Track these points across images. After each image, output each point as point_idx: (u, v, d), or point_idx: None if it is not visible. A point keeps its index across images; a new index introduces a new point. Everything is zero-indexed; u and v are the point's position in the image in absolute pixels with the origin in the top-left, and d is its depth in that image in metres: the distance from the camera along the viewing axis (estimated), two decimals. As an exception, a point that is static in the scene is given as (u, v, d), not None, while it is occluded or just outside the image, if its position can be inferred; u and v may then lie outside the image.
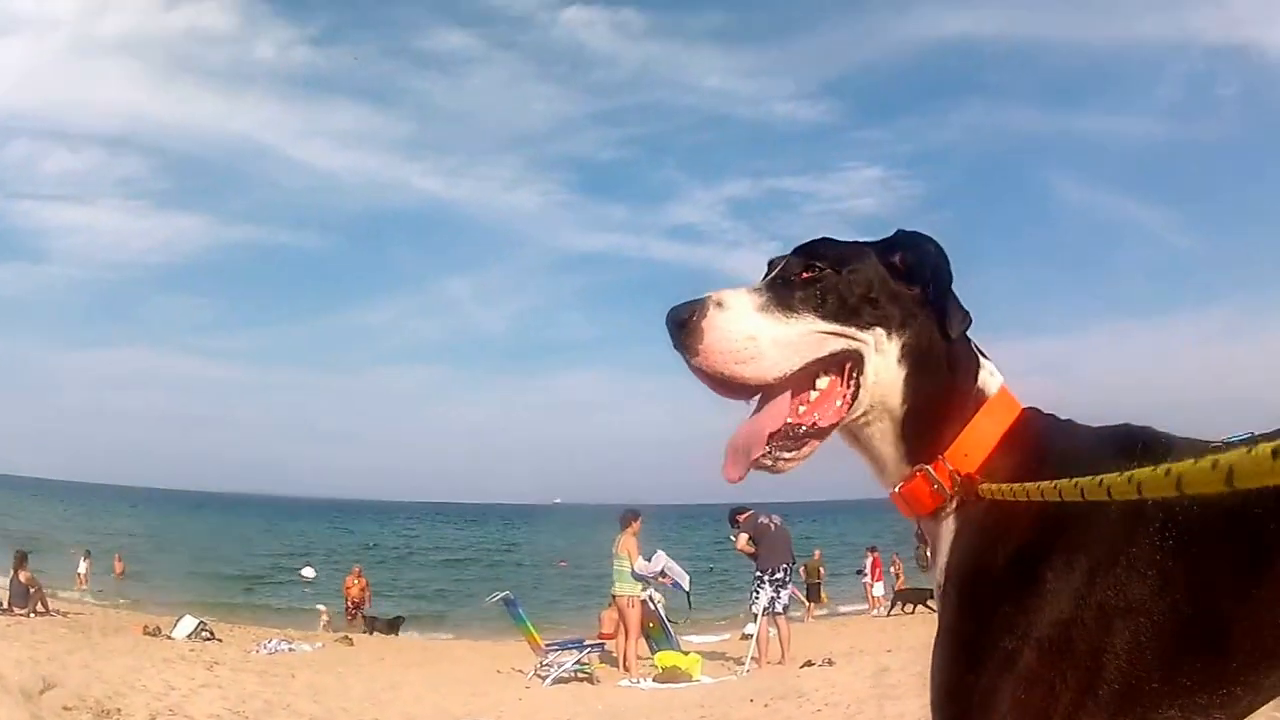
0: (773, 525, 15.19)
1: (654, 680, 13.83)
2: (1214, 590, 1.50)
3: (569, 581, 38.40)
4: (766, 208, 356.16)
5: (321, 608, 25.78)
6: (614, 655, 15.96)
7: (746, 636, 16.83)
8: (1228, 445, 1.62)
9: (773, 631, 15.10)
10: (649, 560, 15.34)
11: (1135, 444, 1.64)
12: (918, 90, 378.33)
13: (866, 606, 26.72)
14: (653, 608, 15.97)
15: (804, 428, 1.71)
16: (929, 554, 1.84)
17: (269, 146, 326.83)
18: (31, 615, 18.63)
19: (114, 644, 15.08)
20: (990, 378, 1.80)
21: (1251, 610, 1.49)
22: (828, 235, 1.85)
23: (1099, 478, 1.20)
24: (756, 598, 14.95)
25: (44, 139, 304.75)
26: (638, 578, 15.09)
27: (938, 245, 1.81)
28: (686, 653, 15.33)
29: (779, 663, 14.65)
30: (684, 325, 1.66)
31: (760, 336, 1.67)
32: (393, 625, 24.19)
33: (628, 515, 15.51)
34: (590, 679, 14.60)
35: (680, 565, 16.19)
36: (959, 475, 1.70)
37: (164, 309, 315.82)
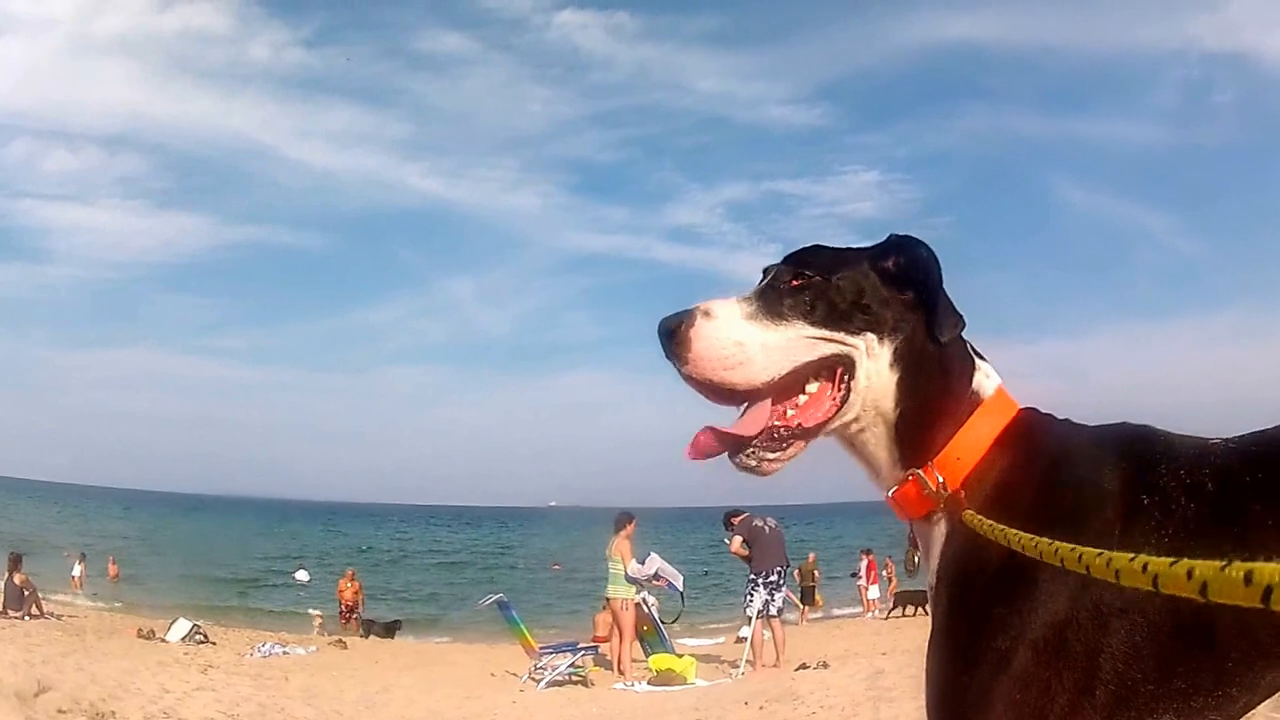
0: (767, 528, 15.20)
1: (648, 683, 13.85)
2: None
3: (563, 584, 38.37)
4: (766, 210, 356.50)
5: (316, 611, 25.77)
6: (608, 658, 15.96)
7: (741, 639, 16.84)
8: (1225, 443, 1.65)
9: (767, 634, 15.10)
10: (642, 563, 15.34)
11: (1131, 444, 1.66)
12: (915, 94, 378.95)
13: (861, 609, 26.75)
14: (647, 610, 15.98)
15: (788, 430, 1.74)
16: (917, 558, 1.86)
17: (267, 146, 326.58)
18: (26, 618, 18.62)
19: (108, 647, 15.09)
20: (986, 380, 1.81)
21: (1247, 608, 1.49)
22: (821, 242, 1.88)
23: (1078, 552, 1.20)
24: (751, 600, 14.95)
25: (43, 139, 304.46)
26: (631, 581, 15.09)
27: (929, 249, 1.82)
28: (681, 655, 15.32)
29: (774, 666, 14.66)
30: (673, 335, 1.71)
31: (748, 343, 1.70)
32: (389, 629, 24.16)
33: (622, 518, 15.52)
34: (584, 682, 14.61)
35: (674, 568, 16.20)
36: (945, 490, 1.72)
37: (164, 309, 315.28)
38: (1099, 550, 1.15)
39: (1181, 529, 1.52)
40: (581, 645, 15.70)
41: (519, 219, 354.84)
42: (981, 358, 1.84)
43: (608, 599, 15.68)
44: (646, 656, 15.59)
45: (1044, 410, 1.83)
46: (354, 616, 26.22)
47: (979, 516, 1.62)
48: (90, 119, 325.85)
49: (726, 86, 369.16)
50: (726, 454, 1.75)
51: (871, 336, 1.75)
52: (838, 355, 1.75)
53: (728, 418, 1.79)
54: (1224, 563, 0.87)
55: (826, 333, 1.74)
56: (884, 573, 27.42)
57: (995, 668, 1.54)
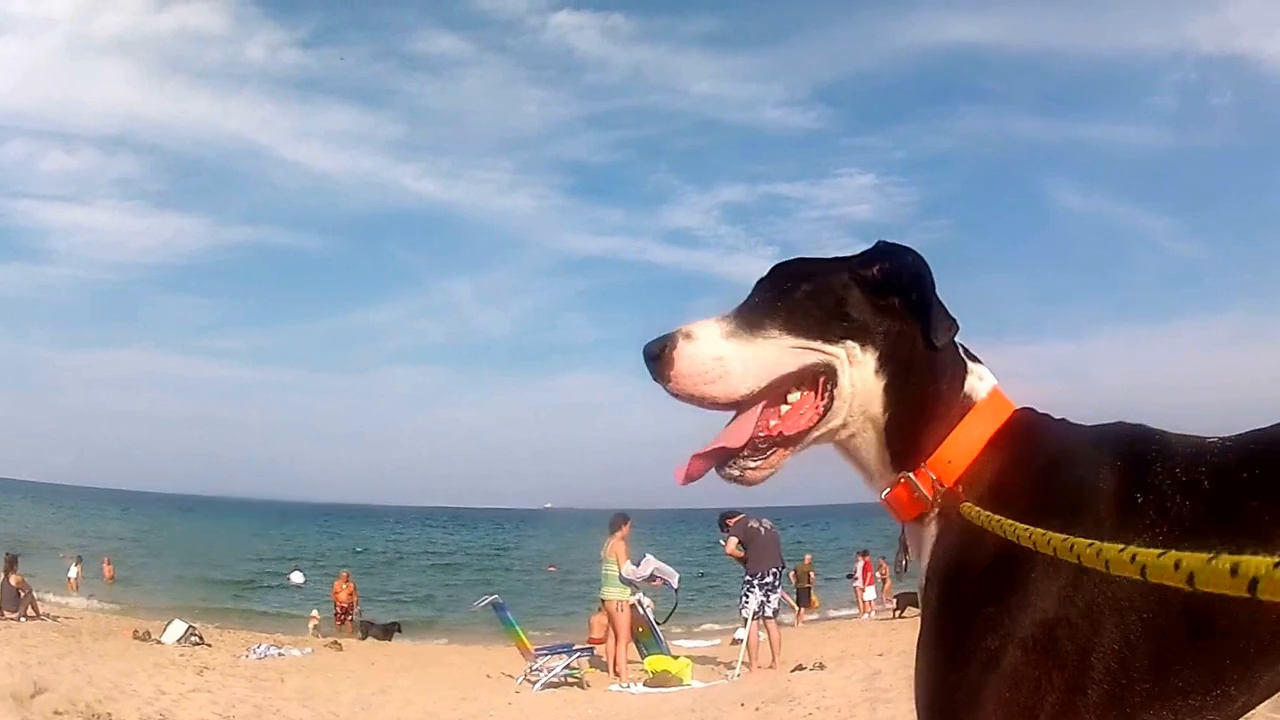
0: (763, 529, 15.22)
1: (644, 685, 13.85)
2: None
3: (559, 586, 38.36)
4: (763, 213, 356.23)
5: (313, 612, 25.78)
6: (603, 660, 15.98)
7: (737, 641, 16.86)
8: (1222, 441, 1.65)
9: (763, 636, 15.12)
10: (637, 565, 15.35)
11: (1127, 443, 1.66)
12: (912, 96, 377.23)
13: (858, 611, 26.78)
14: (642, 612, 15.98)
15: (770, 439, 1.78)
16: (905, 560, 1.88)
17: (263, 147, 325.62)
18: (22, 619, 18.55)
19: (104, 648, 15.07)
20: (979, 382, 1.82)
21: (1244, 605, 1.48)
22: (816, 245, 1.94)
23: (1070, 542, 1.22)
24: (746, 602, 14.97)
25: (41, 139, 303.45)
26: (626, 582, 15.11)
27: (915, 255, 1.83)
28: (676, 657, 15.35)
29: (769, 667, 14.67)
30: (657, 358, 1.77)
31: (727, 358, 1.76)
32: (387, 631, 24.15)
33: (617, 519, 15.54)
34: (580, 684, 14.62)
35: (670, 568, 16.23)
36: (941, 486, 1.73)
37: (162, 310, 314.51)
38: (1089, 541, 1.17)
39: (1177, 527, 1.52)
40: (577, 647, 15.69)
41: (515, 220, 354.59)
42: (976, 360, 1.85)
43: (603, 601, 15.69)
44: (642, 658, 15.58)
45: (1041, 410, 1.83)
46: (349, 618, 26.25)
47: (976, 508, 1.63)
48: (87, 119, 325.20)
49: (722, 88, 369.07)
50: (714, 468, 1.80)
51: (853, 344, 1.77)
52: (819, 364, 1.78)
53: (721, 420, 1.83)
54: (1211, 555, 0.88)
55: (805, 343, 1.78)
56: (878, 574, 27.46)
57: (985, 667, 1.54)
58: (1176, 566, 0.92)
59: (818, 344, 1.77)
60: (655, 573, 15.62)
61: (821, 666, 13.06)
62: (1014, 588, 1.56)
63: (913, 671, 1.70)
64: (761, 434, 1.78)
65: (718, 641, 21.06)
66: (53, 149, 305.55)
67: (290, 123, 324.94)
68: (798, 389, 1.79)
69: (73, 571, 29.44)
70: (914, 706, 1.68)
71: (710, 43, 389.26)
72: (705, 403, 1.78)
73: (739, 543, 15.13)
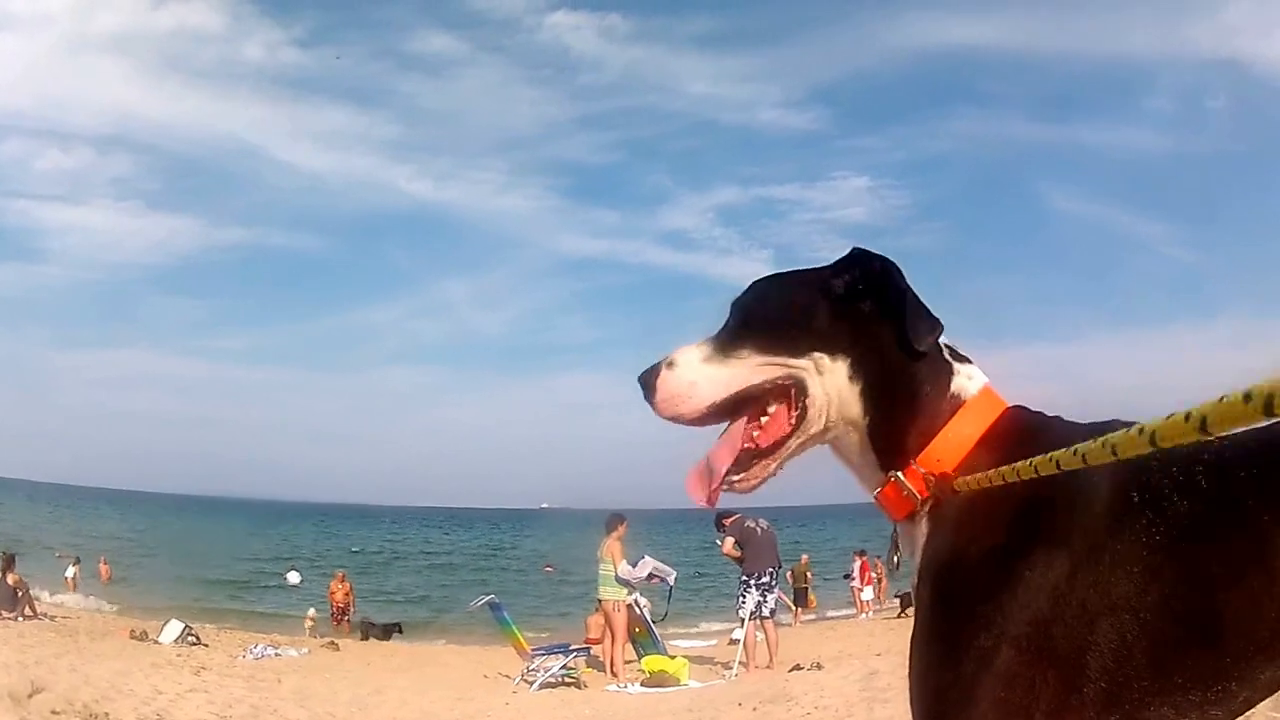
0: (759, 529, 15.23)
1: (642, 685, 13.86)
2: (1204, 583, 1.50)
3: (556, 586, 38.39)
4: (757, 215, 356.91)
5: (310, 612, 25.77)
6: (601, 660, 15.98)
7: (734, 641, 16.86)
8: (1220, 439, 1.63)
9: (760, 636, 15.13)
10: (634, 566, 15.37)
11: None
12: (908, 99, 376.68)
13: (855, 611, 26.78)
14: (638, 612, 15.99)
15: (750, 451, 1.88)
16: (897, 558, 1.90)
17: (258, 147, 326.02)
18: (20, 619, 18.56)
19: (101, 648, 15.07)
20: (968, 381, 1.83)
21: (1244, 602, 1.49)
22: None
23: (1074, 447, 1.25)
24: (743, 602, 14.98)
25: (37, 138, 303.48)
26: (622, 582, 15.12)
27: (884, 262, 1.87)
28: (673, 657, 15.35)
29: (767, 667, 14.68)
30: (647, 385, 1.92)
31: (699, 381, 1.87)
32: (388, 631, 24.15)
33: (613, 520, 15.53)
34: (577, 684, 14.62)
35: (667, 567, 16.27)
36: (933, 476, 1.75)
37: (157, 310, 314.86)
38: (1092, 441, 1.18)
39: (1175, 526, 1.52)
40: (573, 647, 15.69)
41: (511, 222, 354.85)
42: (964, 360, 1.87)
43: (600, 601, 15.70)
44: (639, 658, 15.60)
45: (1034, 409, 1.84)
46: (345, 618, 26.25)
47: (970, 476, 1.65)
48: (84, 118, 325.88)
49: (718, 89, 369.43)
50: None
51: (820, 355, 1.84)
52: (787, 378, 1.86)
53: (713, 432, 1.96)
54: (1220, 395, 0.88)
55: (772, 359, 1.86)
56: (874, 574, 27.45)
57: (978, 665, 1.55)
58: (1188, 418, 0.94)
59: (783, 359, 1.85)
60: (654, 571, 15.67)
61: (819, 666, 13.07)
62: (1007, 585, 1.56)
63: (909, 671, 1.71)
64: (744, 446, 1.88)
65: (715, 641, 21.06)
66: (49, 148, 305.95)
67: (286, 123, 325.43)
68: (775, 402, 1.87)
69: (70, 571, 29.39)
70: (910, 706, 1.68)
71: (707, 43, 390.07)
72: (682, 421, 1.90)
73: (735, 542, 15.13)
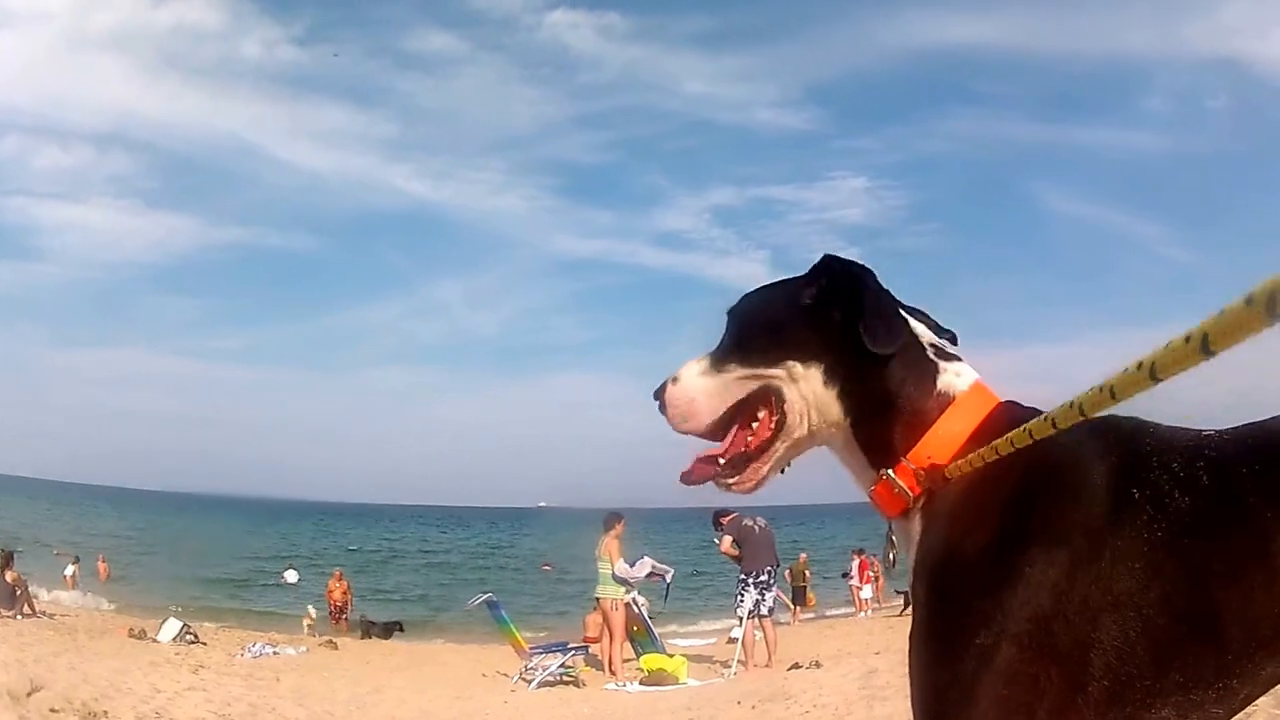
0: (757, 527, 15.22)
1: (640, 683, 13.85)
2: (1206, 580, 1.49)
3: (554, 585, 38.38)
4: (754, 216, 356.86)
5: (308, 611, 25.77)
6: (599, 658, 15.99)
7: (732, 640, 16.87)
8: (1220, 434, 1.63)
9: (759, 634, 15.13)
10: (632, 566, 15.38)
11: (1120, 436, 1.65)
12: (905, 99, 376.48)
13: (854, 609, 26.78)
14: (636, 610, 16.00)
15: (740, 455, 1.96)
16: (892, 555, 1.93)
17: (256, 146, 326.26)
18: (18, 617, 18.55)
19: (100, 646, 15.06)
20: (956, 378, 1.85)
21: (1245, 599, 1.48)
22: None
23: (1043, 415, 1.29)
24: (741, 600, 14.98)
25: (36, 135, 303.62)
26: (619, 580, 15.13)
27: (852, 268, 1.92)
28: (672, 655, 15.35)
29: (765, 665, 14.69)
30: (659, 401, 2.04)
31: (697, 397, 1.99)
32: (388, 629, 24.15)
33: (611, 518, 15.54)
34: (576, 682, 14.63)
35: (664, 565, 16.32)
36: (923, 471, 1.77)
37: (155, 309, 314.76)
38: (1089, 390, 1.19)
39: (1176, 522, 1.51)
40: (572, 645, 15.69)
41: (506, 222, 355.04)
42: (952, 358, 1.89)
43: (597, 599, 15.71)
44: (637, 656, 15.60)
45: (1028, 404, 1.83)
46: (344, 617, 26.25)
47: (958, 462, 1.68)
48: (82, 116, 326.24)
49: (714, 89, 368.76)
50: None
51: (793, 363, 1.91)
52: (766, 388, 1.94)
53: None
54: (1219, 310, 0.88)
55: (751, 371, 1.94)
56: (872, 572, 27.44)
57: (978, 663, 1.54)
58: (1188, 339, 0.92)
59: (760, 370, 1.93)
60: (654, 570, 15.72)
61: (818, 665, 13.09)
62: (1005, 582, 1.56)
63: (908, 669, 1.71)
64: (738, 450, 1.97)
65: (713, 640, 21.04)
66: (48, 145, 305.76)
67: (283, 121, 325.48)
68: (763, 409, 1.95)
69: (70, 570, 29.38)
70: (910, 704, 1.68)
71: (703, 42, 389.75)
72: (695, 434, 2.02)
73: (733, 541, 15.13)
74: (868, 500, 1.91)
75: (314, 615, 25.35)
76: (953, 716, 1.58)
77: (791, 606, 25.13)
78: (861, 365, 1.86)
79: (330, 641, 20.85)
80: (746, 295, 2.07)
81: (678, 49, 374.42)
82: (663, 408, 2.03)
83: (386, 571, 48.58)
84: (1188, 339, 0.90)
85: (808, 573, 27.40)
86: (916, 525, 1.79)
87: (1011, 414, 1.80)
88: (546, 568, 45.88)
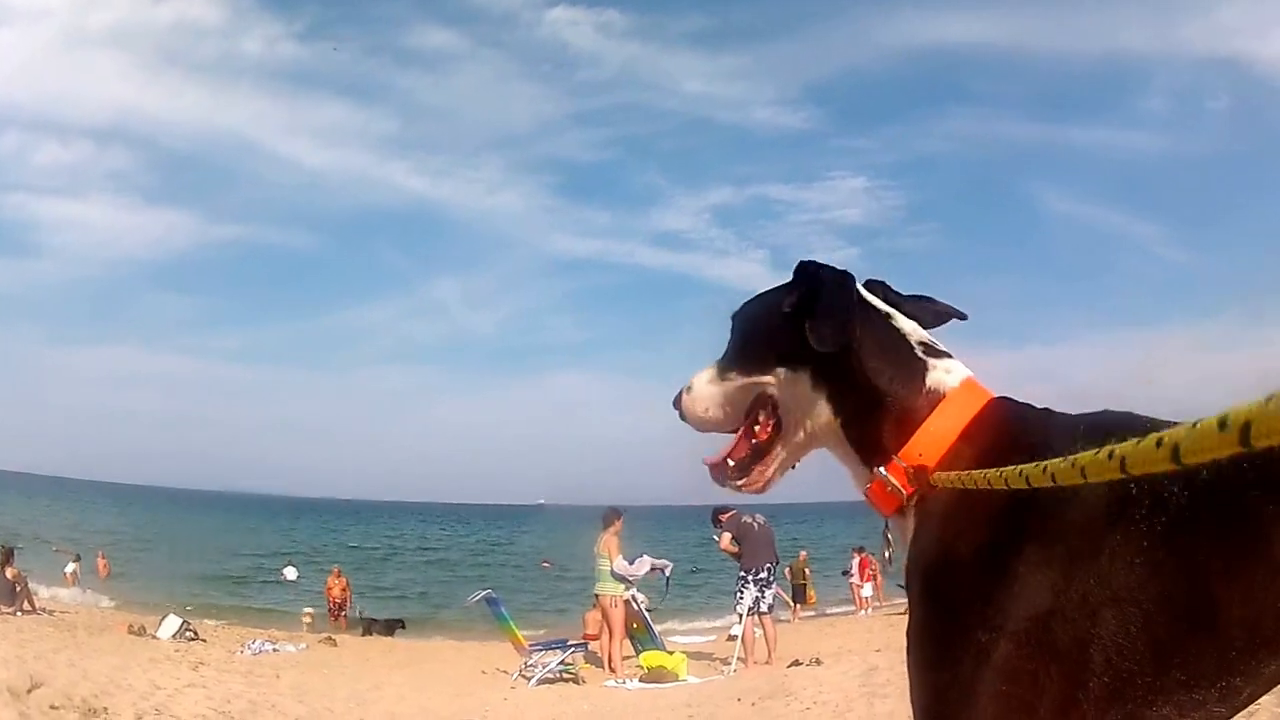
0: (756, 525, 15.21)
1: (640, 680, 13.85)
2: (1206, 577, 1.47)
3: (553, 583, 38.36)
4: (752, 216, 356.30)
5: (308, 609, 25.78)
6: (599, 655, 16.00)
7: (733, 637, 16.87)
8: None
9: (758, 631, 15.14)
10: (631, 563, 15.39)
11: (1116, 431, 1.62)
12: (903, 98, 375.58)
13: (854, 607, 26.78)
14: (636, 608, 16.01)
15: (745, 457, 2.07)
16: (890, 554, 1.97)
17: (255, 142, 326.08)
18: (18, 613, 18.56)
19: (100, 643, 15.06)
20: (946, 375, 1.85)
21: (1246, 596, 1.45)
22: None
23: (1043, 464, 1.23)
24: (741, 598, 14.98)
25: (35, 131, 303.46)
26: (619, 577, 15.13)
27: (821, 272, 1.97)
28: (672, 652, 15.36)
29: (765, 663, 14.69)
30: (676, 407, 2.19)
31: (711, 405, 2.12)
32: (390, 627, 24.16)
33: (610, 514, 15.57)
34: (575, 679, 14.64)
35: (662, 561, 16.38)
36: (912, 469, 1.78)
37: (154, 306, 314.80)
38: (1062, 460, 1.17)
39: (1176, 519, 1.48)
40: (571, 642, 15.70)
41: (504, 220, 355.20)
42: (942, 355, 1.90)
43: (597, 596, 15.72)
44: (637, 653, 15.61)
45: (1020, 400, 1.84)
46: (343, 614, 26.26)
47: (948, 473, 1.66)
48: (82, 112, 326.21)
49: (712, 87, 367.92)
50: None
51: (782, 369, 1.99)
52: (762, 394, 2.03)
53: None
54: (1193, 421, 0.85)
55: (748, 379, 2.05)
56: (873, 570, 27.43)
57: (977, 661, 1.53)
58: (1159, 444, 0.89)
59: (755, 377, 2.03)
60: (654, 566, 15.76)
61: (818, 662, 13.09)
62: (1002, 580, 1.55)
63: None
64: (742, 453, 2.07)
65: (713, 637, 21.04)
66: (47, 141, 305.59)
67: (283, 118, 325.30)
68: (762, 414, 2.05)
69: (70, 567, 29.38)
70: (909, 702, 1.68)
71: (701, 40, 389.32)
72: (708, 434, 2.16)
73: (733, 538, 15.13)
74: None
75: (312, 613, 25.38)
76: (953, 716, 1.58)
77: (791, 604, 25.14)
78: (848, 367, 1.90)
79: (330, 638, 20.84)
80: (746, 302, 2.15)
81: (676, 47, 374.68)
82: (680, 415, 2.17)
83: (386, 568, 48.56)
84: (1159, 444, 0.89)
85: (807, 570, 27.41)
86: (910, 523, 1.80)
87: (1004, 410, 1.81)
88: (546, 565, 45.83)
